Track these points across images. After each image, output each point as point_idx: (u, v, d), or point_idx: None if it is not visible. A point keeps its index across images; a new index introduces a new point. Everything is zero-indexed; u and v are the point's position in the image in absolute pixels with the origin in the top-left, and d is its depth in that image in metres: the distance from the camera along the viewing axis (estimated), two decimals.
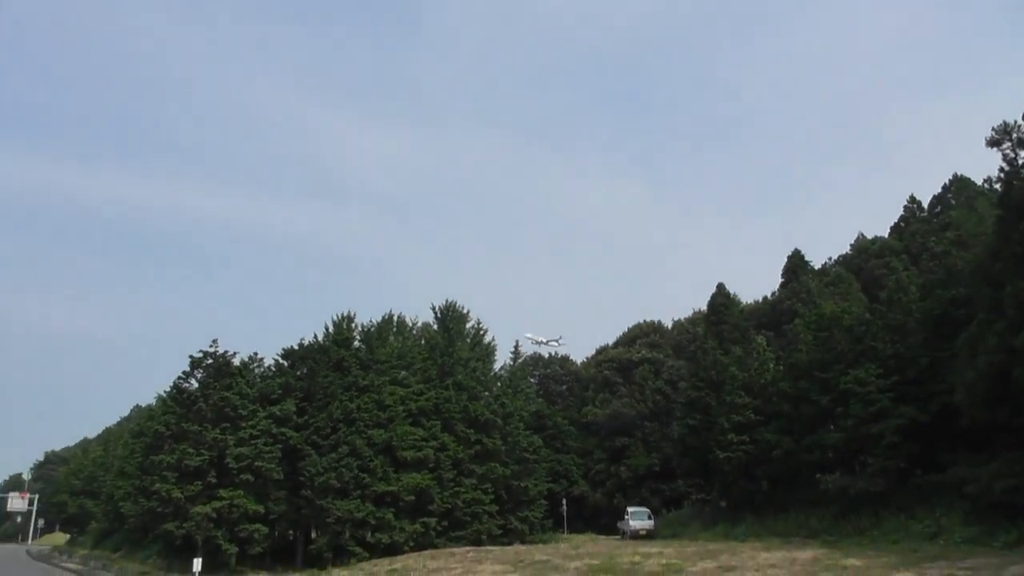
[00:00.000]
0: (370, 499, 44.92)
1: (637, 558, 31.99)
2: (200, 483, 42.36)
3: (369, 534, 44.42)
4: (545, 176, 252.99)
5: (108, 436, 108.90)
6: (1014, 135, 33.52)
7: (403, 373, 54.05)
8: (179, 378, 46.75)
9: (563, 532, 58.54)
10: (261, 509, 43.21)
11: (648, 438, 64.81)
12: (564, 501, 60.45)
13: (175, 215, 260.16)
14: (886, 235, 75.26)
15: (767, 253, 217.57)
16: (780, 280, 73.45)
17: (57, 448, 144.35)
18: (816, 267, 74.38)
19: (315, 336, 52.92)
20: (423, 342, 63.46)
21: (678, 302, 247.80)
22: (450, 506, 48.36)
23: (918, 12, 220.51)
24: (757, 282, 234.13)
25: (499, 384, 62.11)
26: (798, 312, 57.83)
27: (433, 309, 68.12)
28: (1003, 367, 28.04)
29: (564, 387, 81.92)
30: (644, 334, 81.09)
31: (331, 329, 55.70)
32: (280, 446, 44.72)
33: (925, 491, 35.75)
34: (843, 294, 58.68)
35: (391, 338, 63.08)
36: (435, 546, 45.89)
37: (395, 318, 68.19)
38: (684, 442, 51.66)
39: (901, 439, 35.73)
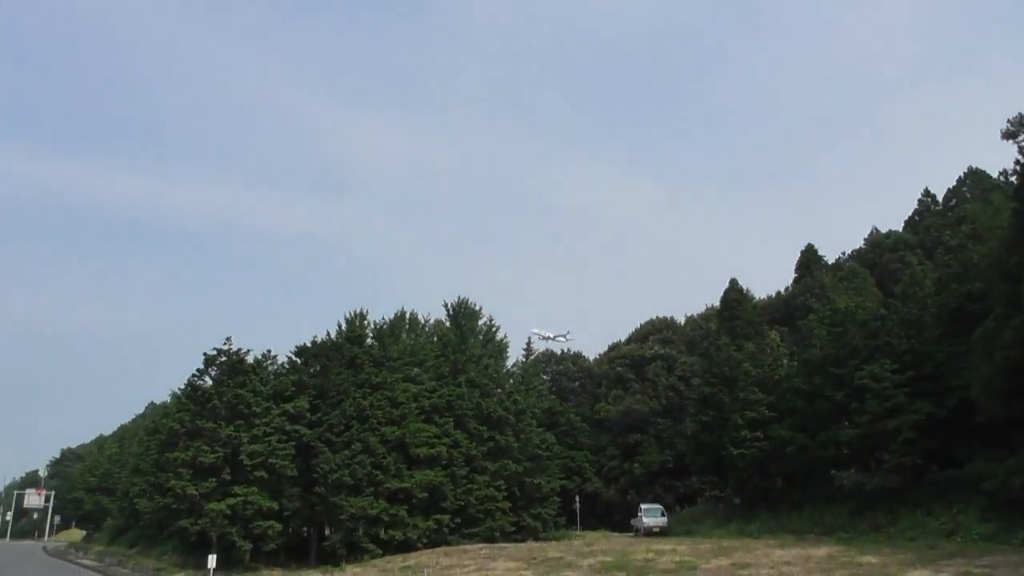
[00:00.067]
0: (383, 496, 45.08)
1: (651, 555, 31.95)
2: (215, 480, 42.68)
3: (382, 531, 44.62)
4: (557, 171, 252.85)
5: (123, 433, 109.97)
6: None
7: (416, 370, 54.27)
8: (193, 376, 47.28)
9: (576, 529, 58.40)
10: (275, 506, 43.48)
11: (661, 435, 64.59)
12: (577, 498, 60.27)
13: (191, 215, 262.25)
14: (900, 229, 74.85)
15: (780, 248, 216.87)
16: (794, 275, 73.21)
17: (73, 445, 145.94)
18: (830, 262, 73.98)
19: (328, 334, 53.25)
20: (435, 339, 63.65)
21: (691, 298, 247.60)
22: (463, 503, 48.50)
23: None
24: (770, 277, 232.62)
25: (511, 381, 62.19)
26: (812, 307, 57.56)
27: (445, 306, 68.48)
28: (1020, 362, 27.82)
29: (577, 384, 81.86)
30: (657, 330, 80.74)
31: (344, 327, 55.89)
32: (294, 443, 45.00)
33: (942, 487, 35.41)
34: (857, 289, 58.23)
35: (404, 335, 63.33)
36: (448, 543, 46.04)
37: (407, 315, 68.49)
38: (697, 439, 51.44)
39: (917, 435, 35.35)
